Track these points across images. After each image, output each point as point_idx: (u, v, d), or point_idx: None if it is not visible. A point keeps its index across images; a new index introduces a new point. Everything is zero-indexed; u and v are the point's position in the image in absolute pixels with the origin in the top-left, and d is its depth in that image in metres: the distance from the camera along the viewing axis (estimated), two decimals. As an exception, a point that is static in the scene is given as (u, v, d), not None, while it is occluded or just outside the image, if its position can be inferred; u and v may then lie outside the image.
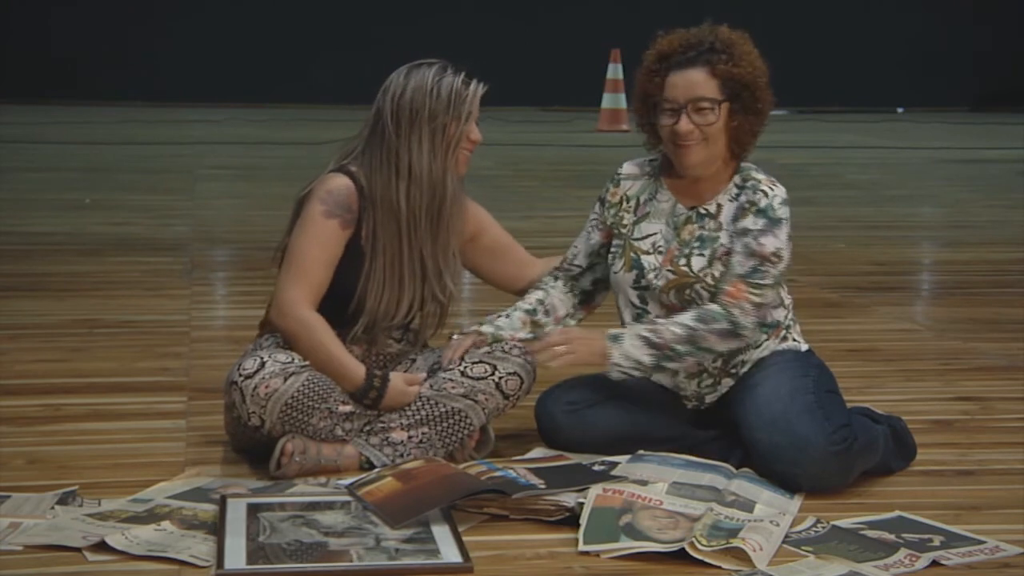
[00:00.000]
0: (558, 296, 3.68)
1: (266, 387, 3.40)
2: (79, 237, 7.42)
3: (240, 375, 3.42)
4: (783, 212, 3.47)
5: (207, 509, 3.14)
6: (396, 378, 3.49)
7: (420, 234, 3.56)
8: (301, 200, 3.62)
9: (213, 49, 16.73)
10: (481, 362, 3.53)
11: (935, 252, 7.91)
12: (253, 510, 3.11)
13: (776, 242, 3.43)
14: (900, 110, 17.68)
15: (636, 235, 3.55)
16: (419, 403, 3.50)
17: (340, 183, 3.55)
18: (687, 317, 3.42)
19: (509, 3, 17.33)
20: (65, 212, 8.34)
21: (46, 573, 2.85)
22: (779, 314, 3.55)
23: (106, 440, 3.79)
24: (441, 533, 3.00)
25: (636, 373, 3.43)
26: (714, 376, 3.56)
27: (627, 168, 3.64)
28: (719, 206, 3.50)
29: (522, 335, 3.61)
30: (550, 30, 15.80)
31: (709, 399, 3.59)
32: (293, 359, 3.46)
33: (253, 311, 5.54)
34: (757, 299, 3.41)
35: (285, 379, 3.41)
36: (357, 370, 3.48)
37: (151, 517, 3.09)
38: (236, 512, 3.08)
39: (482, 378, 3.51)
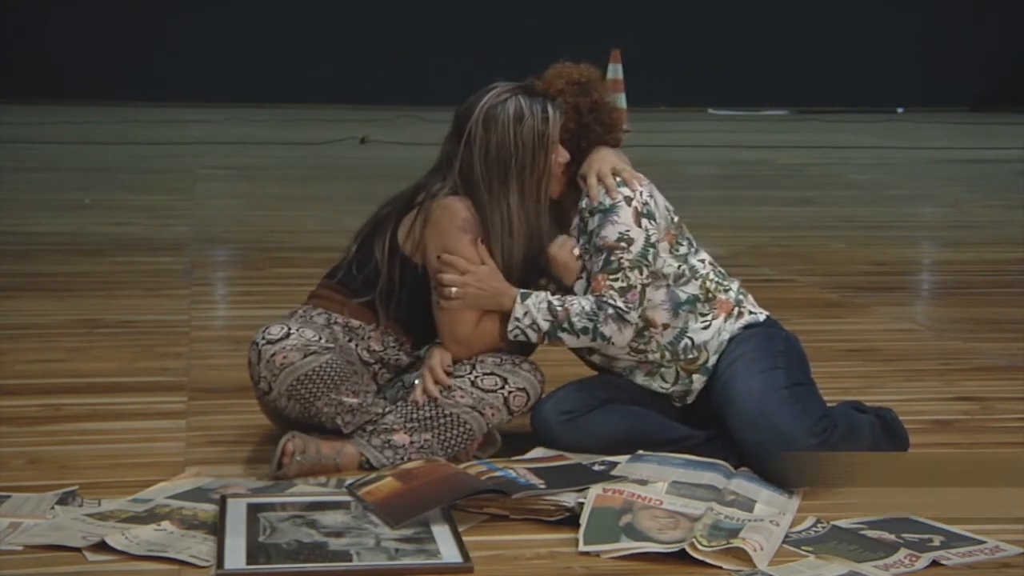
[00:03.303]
0: None
1: (283, 357, 3.44)
2: (79, 237, 7.42)
3: (263, 338, 3.47)
4: (607, 199, 3.50)
5: (207, 509, 3.14)
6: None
7: (514, 279, 3.55)
8: (394, 221, 3.57)
9: (213, 49, 16.72)
10: (492, 374, 3.53)
11: (935, 252, 7.91)
12: (253, 510, 3.11)
13: (616, 228, 3.48)
14: (900, 110, 17.67)
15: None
16: (427, 407, 3.50)
17: (465, 207, 3.51)
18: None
19: (509, 3, 17.32)
20: (65, 212, 8.33)
21: (46, 573, 2.85)
22: (692, 288, 3.58)
23: (106, 440, 3.79)
24: (441, 533, 3.00)
25: (532, 335, 3.49)
26: (673, 370, 3.59)
27: None
28: (576, 225, 3.59)
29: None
30: (550, 30, 15.80)
31: (689, 399, 3.63)
32: (320, 338, 3.48)
33: (253, 311, 5.57)
34: (620, 284, 3.47)
35: (304, 355, 3.44)
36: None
37: (151, 517, 3.09)
38: (236, 512, 3.08)
39: (492, 391, 3.52)
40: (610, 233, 3.47)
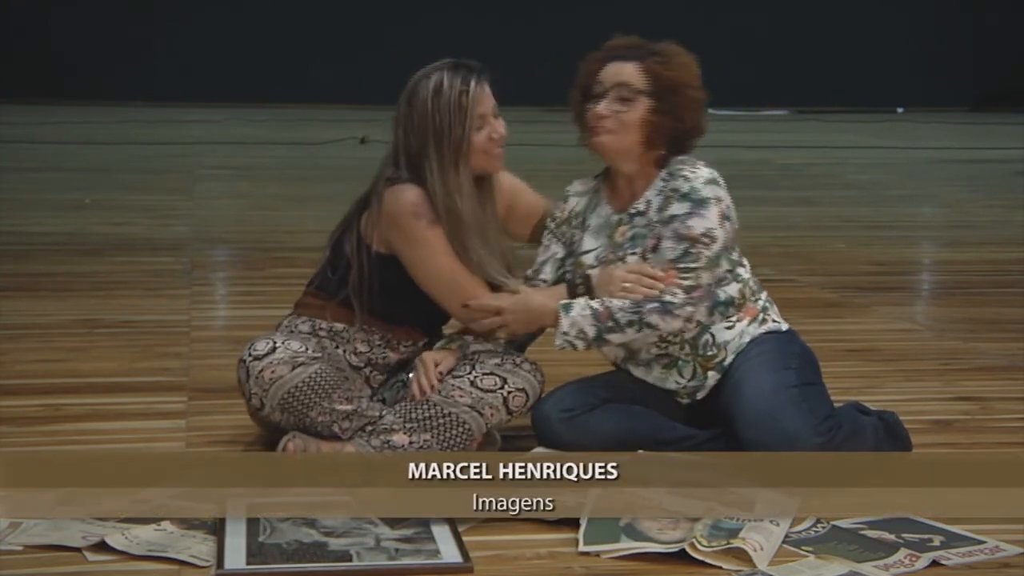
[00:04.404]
0: None
1: (272, 372, 3.44)
2: (79, 237, 7.42)
3: (250, 355, 3.47)
4: (708, 191, 3.48)
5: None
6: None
7: (472, 249, 3.52)
8: (359, 216, 3.57)
9: (213, 49, 16.74)
10: (492, 374, 3.53)
11: (935, 252, 7.91)
12: (253, 510, 3.11)
13: (704, 223, 3.46)
14: (900, 110, 17.68)
15: (581, 250, 3.62)
16: (426, 407, 3.50)
17: (417, 193, 3.50)
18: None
19: (509, 3, 17.33)
20: (65, 212, 8.34)
21: (46, 573, 2.85)
22: (732, 290, 3.57)
23: (106, 440, 3.79)
24: (441, 533, 3.00)
25: (580, 345, 3.45)
26: (691, 366, 3.58)
27: (575, 186, 3.71)
28: (648, 202, 3.55)
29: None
30: (550, 30, 15.82)
31: (699, 395, 3.61)
32: (307, 348, 3.47)
33: (253, 311, 5.58)
34: (688, 282, 3.44)
35: (292, 368, 3.44)
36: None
37: (151, 517, 3.09)
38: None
39: (491, 391, 3.52)
40: (697, 225, 3.45)
